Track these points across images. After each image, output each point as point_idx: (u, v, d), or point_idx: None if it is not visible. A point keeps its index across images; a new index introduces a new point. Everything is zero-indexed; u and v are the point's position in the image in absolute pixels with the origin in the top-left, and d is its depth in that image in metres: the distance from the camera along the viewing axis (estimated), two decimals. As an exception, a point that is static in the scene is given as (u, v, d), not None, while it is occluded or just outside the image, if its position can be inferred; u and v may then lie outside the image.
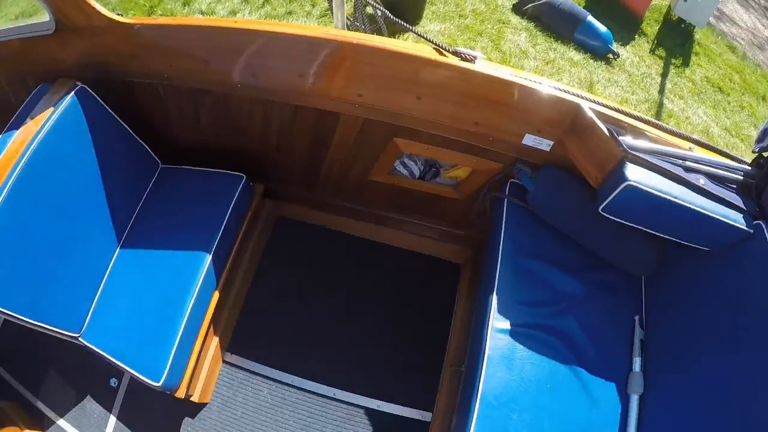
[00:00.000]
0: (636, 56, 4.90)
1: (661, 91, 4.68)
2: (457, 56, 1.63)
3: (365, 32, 2.77)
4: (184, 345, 1.99)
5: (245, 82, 1.90)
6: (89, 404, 2.61)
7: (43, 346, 2.49)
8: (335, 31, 1.72)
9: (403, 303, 2.43)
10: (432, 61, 1.62)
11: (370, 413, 2.23)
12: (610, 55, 4.67)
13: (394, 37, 4.10)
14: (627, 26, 5.13)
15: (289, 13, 4.30)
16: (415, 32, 1.71)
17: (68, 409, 2.66)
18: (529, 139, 1.78)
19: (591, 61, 4.59)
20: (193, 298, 2.00)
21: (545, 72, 4.31)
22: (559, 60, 4.47)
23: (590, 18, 4.63)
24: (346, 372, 2.30)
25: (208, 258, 2.05)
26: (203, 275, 2.03)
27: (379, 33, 3.20)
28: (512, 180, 1.95)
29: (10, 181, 1.76)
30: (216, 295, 2.13)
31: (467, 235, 2.43)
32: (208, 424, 2.31)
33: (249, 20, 1.73)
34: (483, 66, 1.63)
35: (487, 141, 1.83)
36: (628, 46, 4.97)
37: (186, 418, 2.36)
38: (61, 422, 2.66)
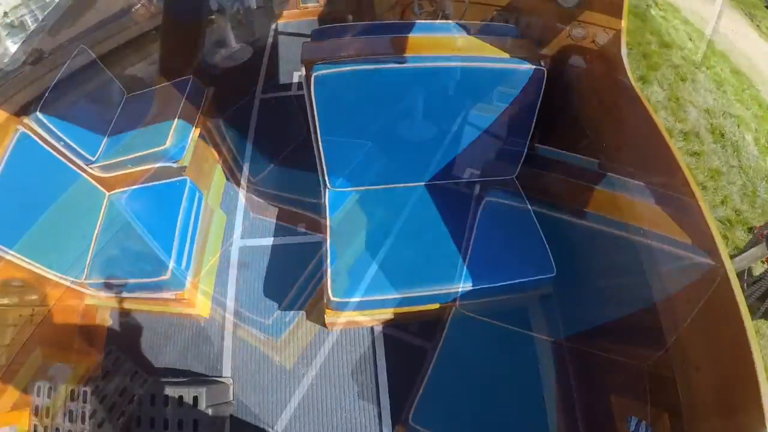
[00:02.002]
0: None
1: None
2: None
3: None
4: (371, 303, 2.03)
5: None
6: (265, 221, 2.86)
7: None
8: None
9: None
10: None
11: None
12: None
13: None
14: None
15: (704, 187, 4.14)
16: None
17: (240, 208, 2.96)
18: None
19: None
20: (431, 290, 2.02)
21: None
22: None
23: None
24: None
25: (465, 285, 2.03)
26: (450, 287, 2.03)
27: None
28: None
29: (422, 64, 1.94)
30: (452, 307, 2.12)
31: None
32: (307, 340, 2.37)
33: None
34: None
35: None
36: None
37: (303, 312, 2.45)
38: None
